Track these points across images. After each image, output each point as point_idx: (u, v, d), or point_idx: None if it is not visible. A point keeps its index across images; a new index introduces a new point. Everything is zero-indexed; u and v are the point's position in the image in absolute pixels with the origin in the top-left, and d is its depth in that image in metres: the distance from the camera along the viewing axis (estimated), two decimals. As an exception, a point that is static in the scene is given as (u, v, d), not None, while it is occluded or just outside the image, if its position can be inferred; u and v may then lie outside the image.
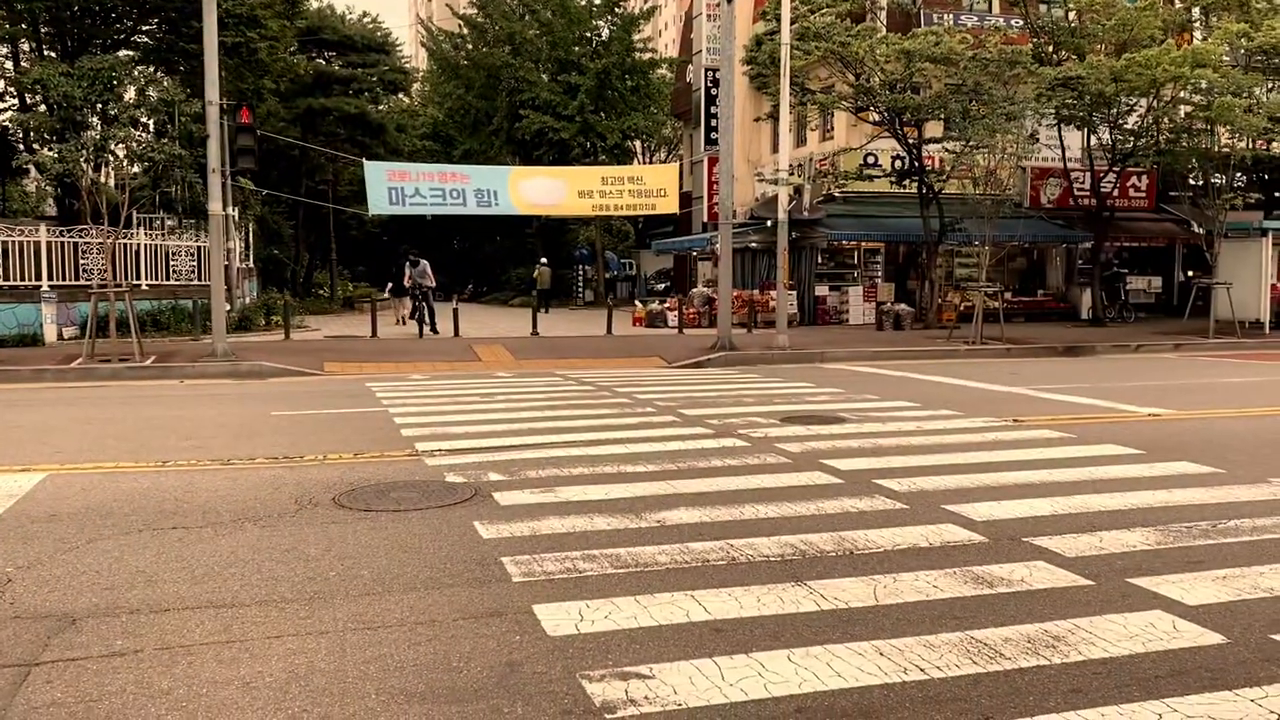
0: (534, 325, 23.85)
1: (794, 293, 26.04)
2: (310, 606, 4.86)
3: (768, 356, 18.24)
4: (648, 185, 22.23)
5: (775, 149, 28.77)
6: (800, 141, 30.79)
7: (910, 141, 24.58)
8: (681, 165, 31.62)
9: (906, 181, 25.64)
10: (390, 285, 23.89)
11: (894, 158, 26.67)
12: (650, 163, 52.46)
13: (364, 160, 22.89)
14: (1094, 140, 26.09)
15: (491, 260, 50.75)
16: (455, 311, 23.59)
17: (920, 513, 6.52)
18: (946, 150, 24.49)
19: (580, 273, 42.24)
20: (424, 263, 23.85)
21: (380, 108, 44.78)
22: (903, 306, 25.40)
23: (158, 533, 6.15)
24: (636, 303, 31.40)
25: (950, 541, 5.91)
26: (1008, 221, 22.98)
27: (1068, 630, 4.55)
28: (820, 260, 27.83)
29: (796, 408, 11.47)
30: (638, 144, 50.44)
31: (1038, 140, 25.57)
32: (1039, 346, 19.80)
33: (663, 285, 44.78)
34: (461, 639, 4.46)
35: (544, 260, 40.11)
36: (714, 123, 32.55)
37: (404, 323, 23.96)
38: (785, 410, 11.22)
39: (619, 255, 50.18)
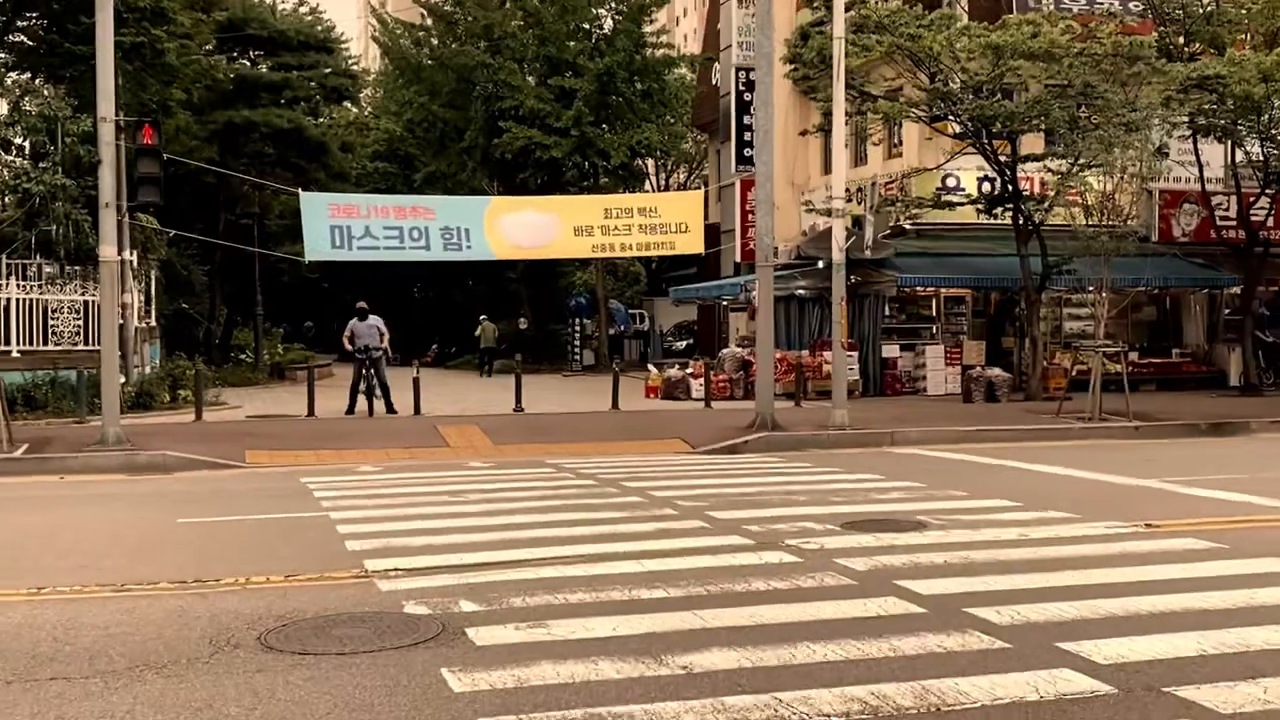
0: (517, 399, 23.94)
1: (854, 354, 26.14)
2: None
3: (822, 439, 18.27)
4: (663, 217, 22.66)
5: (827, 169, 28.99)
6: (859, 160, 31.19)
7: (1002, 159, 24.78)
8: (706, 191, 31.81)
9: (998, 211, 25.90)
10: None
11: (981, 180, 27.02)
12: (666, 188, 52.97)
13: (299, 191, 23.18)
14: (1240, 155, 26.34)
15: (462, 313, 51.07)
16: (416, 381, 23.74)
17: (1027, 653, 6.48)
18: (1049, 170, 24.68)
19: (576, 329, 42.44)
20: (375, 319, 23.96)
21: (321, 121, 45.45)
22: (996, 372, 25.56)
23: (31, 686, 6.10)
24: (650, 367, 31.48)
25: (1067, 693, 5.85)
26: (1131, 261, 23.00)
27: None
28: (888, 312, 28.01)
29: (860, 508, 11.49)
30: (650, 164, 50.99)
31: (1167, 156, 25.82)
32: (1176, 424, 19.83)
33: (683, 344, 44.89)
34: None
35: (486, 316, 43.18)
36: (748, 136, 32.88)
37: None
38: (846, 512, 11.24)
39: (626, 305, 50.44)
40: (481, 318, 43.19)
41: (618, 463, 16.06)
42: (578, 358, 42.11)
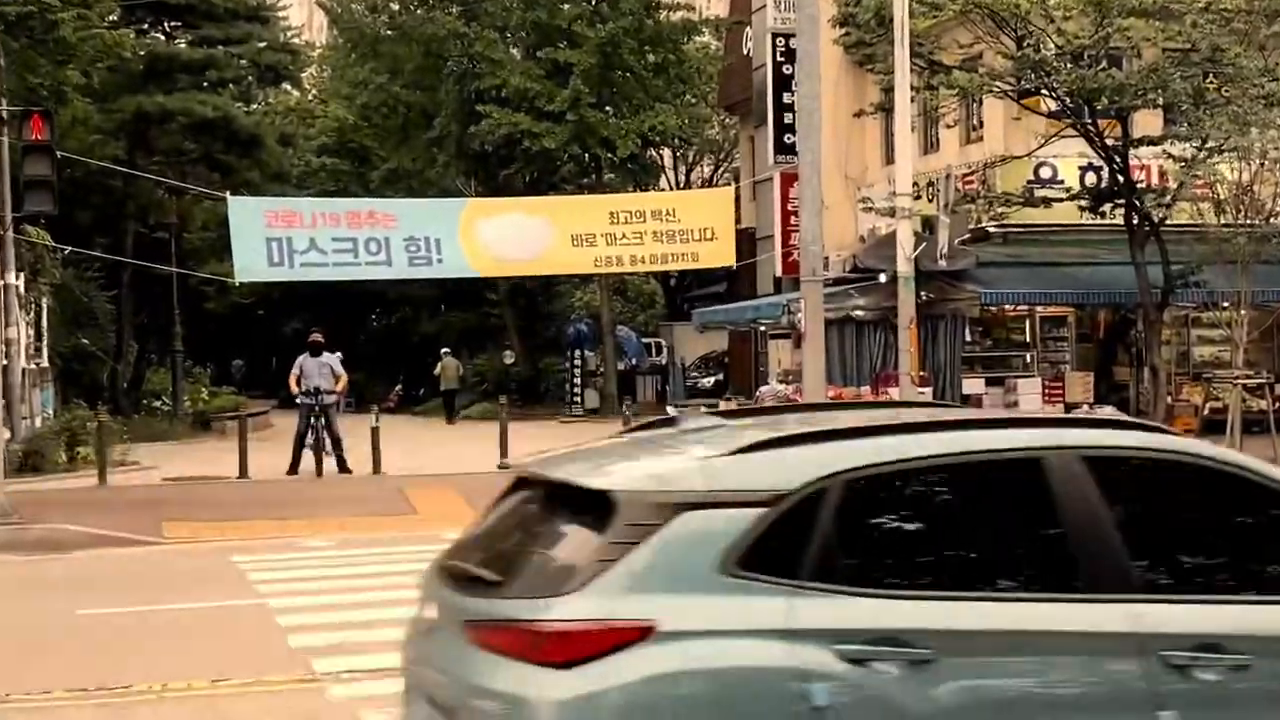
0: (503, 452, 23.88)
1: (927, 390, 25.55)
2: None
3: None
4: (684, 222, 23.11)
5: (890, 159, 28.55)
6: (929, 146, 31.18)
7: (1110, 143, 24.82)
8: (738, 189, 31.86)
9: (1106, 208, 25.94)
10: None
11: (1084, 169, 27.06)
12: (687, 185, 52.91)
13: (228, 195, 23.30)
14: None
15: (433, 345, 51.01)
16: (375, 432, 23.67)
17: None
18: (1169, 156, 24.57)
19: (576, 363, 42.40)
20: (330, 355, 23.99)
21: (255, 108, 45.63)
22: (1108, 411, 25.01)
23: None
24: (669, 409, 30.88)
25: None
26: (1276, 269, 23.04)
27: None
28: (969, 337, 28.03)
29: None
30: (666, 155, 51.04)
31: None
32: None
33: (711, 381, 44.64)
34: None
35: (447, 351, 43.38)
36: (789, 119, 32.89)
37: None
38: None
39: (639, 333, 50.35)
40: (443, 352, 43.56)
41: None
42: (578, 399, 42.01)
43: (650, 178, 45.03)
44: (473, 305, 50.18)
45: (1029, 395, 27.22)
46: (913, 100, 22.62)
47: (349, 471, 23.29)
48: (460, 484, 20.65)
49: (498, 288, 45.77)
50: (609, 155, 40.25)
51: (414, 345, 53.88)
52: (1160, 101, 24.61)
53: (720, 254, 23.54)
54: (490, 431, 26.76)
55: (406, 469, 23.45)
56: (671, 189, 49.78)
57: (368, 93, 45.98)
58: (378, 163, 47.55)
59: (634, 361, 47.02)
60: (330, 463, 23.40)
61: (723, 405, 28.35)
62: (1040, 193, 26.48)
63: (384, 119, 46.17)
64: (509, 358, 46.28)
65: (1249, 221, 21.27)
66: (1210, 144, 22.59)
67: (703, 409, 24.93)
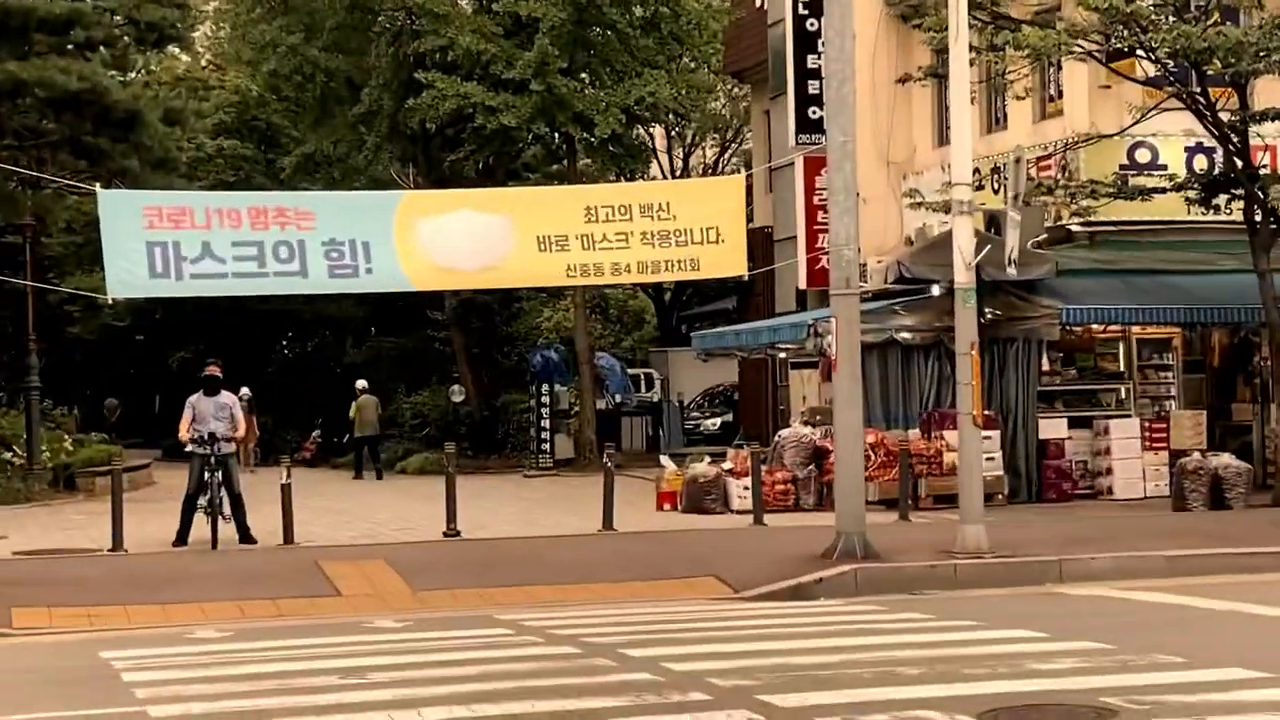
0: (450, 516, 24.08)
1: (994, 434, 26.11)
2: None
3: (945, 573, 18.55)
4: (681, 220, 22.59)
5: (944, 139, 28.93)
6: (994, 123, 31.52)
7: (1225, 119, 24.84)
8: (750, 177, 31.89)
9: (1220, 200, 26.01)
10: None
11: (1191, 151, 27.49)
12: (686, 172, 52.95)
13: (97, 188, 23.15)
14: None
15: (361, 378, 50.92)
16: (287, 490, 23.69)
17: None
18: None
19: (543, 401, 42.38)
20: (229, 395, 23.97)
21: (133, 78, 45.48)
22: (1226, 460, 25.70)
23: None
24: (663, 460, 31.42)
25: None
26: None
27: None
28: (1047, 365, 28.23)
29: (1009, 687, 11.47)
30: (658, 134, 51.00)
31: None
32: None
33: (716, 422, 44.83)
34: None
35: (363, 384, 43.32)
36: (814, 88, 32.96)
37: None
38: (986, 694, 11.22)
39: (624, 362, 50.28)
40: (358, 386, 43.37)
41: (614, 618, 16.05)
42: (546, 447, 41.99)
43: (638, 164, 45.60)
44: (411, 327, 50.17)
45: (1124, 440, 27.73)
46: (972, 64, 22.50)
47: (253, 541, 23.27)
48: (396, 557, 20.80)
49: (444, 305, 45.73)
50: (585, 135, 40.48)
51: (336, 379, 53.77)
52: (1288, 66, 25.05)
53: (727, 261, 23.27)
54: (432, 489, 26.55)
55: (327, 538, 23.86)
56: (665, 177, 49.92)
57: (277, 57, 45.73)
58: (290, 146, 47.64)
59: (618, 398, 47.43)
60: (229, 529, 23.29)
61: (731, 454, 29.24)
62: (1136, 181, 26.72)
63: (298, 90, 46.22)
64: (457, 394, 46.22)
65: None
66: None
67: (707, 459, 25.19)
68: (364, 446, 42.59)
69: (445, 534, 23.61)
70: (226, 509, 23.37)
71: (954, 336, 20.29)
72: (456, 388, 46.51)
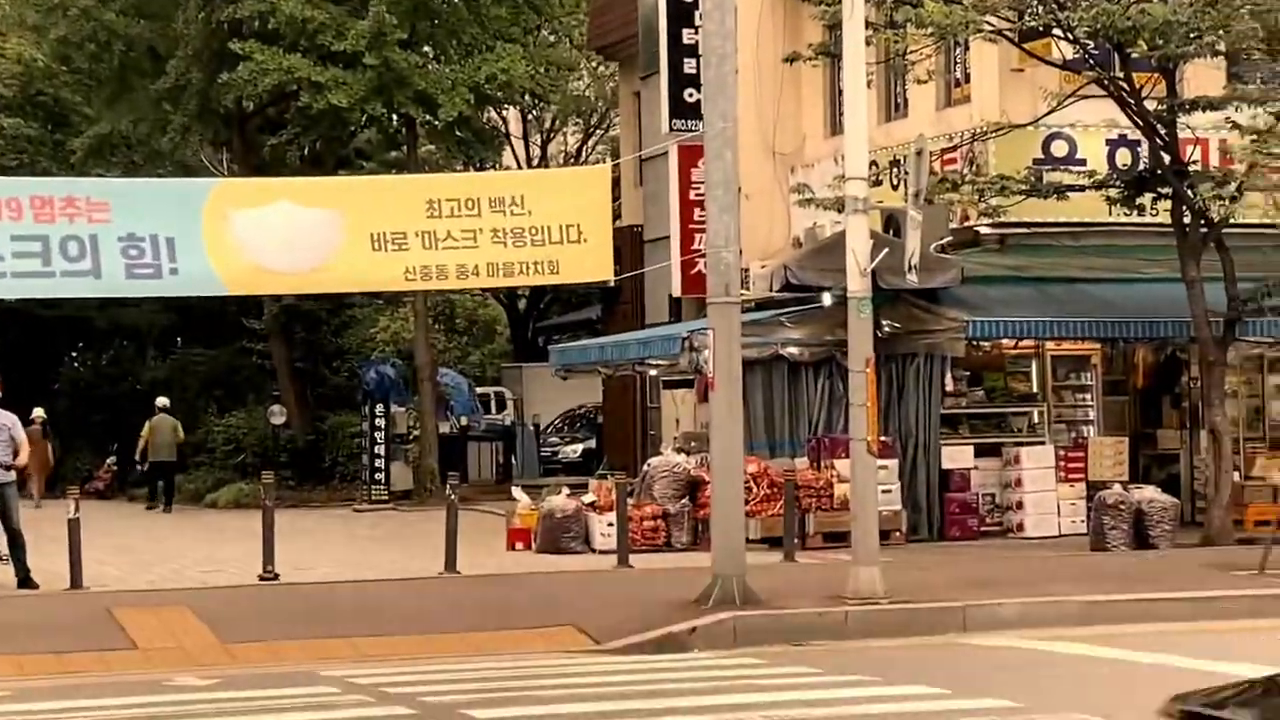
0: (267, 556, 23.75)
1: (891, 462, 26.05)
2: None
3: (835, 621, 18.56)
4: (538, 216, 22.79)
5: (837, 128, 29.34)
6: (894, 110, 32.05)
7: (1153, 109, 25.13)
8: (617, 168, 31.68)
9: (1146, 200, 26.24)
10: None
11: (1113, 144, 27.95)
12: (544, 162, 52.76)
13: None
14: None
15: (160, 396, 50.17)
16: (73, 526, 23.08)
17: None
18: (1234, 127, 25.24)
19: (377, 424, 42.03)
20: (9, 417, 23.84)
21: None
22: (1150, 494, 25.82)
23: None
24: (516, 492, 31.35)
25: None
26: None
27: None
28: (951, 385, 28.19)
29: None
30: (512, 117, 50.66)
31: None
32: None
33: (578, 449, 44.36)
34: None
35: (164, 402, 43.34)
36: (691, 67, 32.74)
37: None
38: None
39: (472, 380, 49.92)
40: (157, 404, 43.10)
41: (456, 674, 16.00)
42: (380, 477, 41.62)
43: (489, 151, 46.82)
44: (224, 338, 49.60)
45: (1037, 470, 27.88)
46: (869, 42, 22.89)
47: (34, 586, 22.91)
48: (203, 603, 20.54)
49: (262, 312, 45.14)
50: (427, 118, 40.09)
51: (136, 397, 53.05)
52: (1221, 47, 25.04)
53: (591, 263, 23.70)
54: (246, 525, 26.12)
55: (122, 581, 23.81)
56: (521, 167, 49.68)
57: (67, 21, 45.33)
58: (82, 125, 46.89)
59: (464, 421, 47.48)
60: (6, 572, 23.23)
61: (594, 485, 29.33)
62: (1051, 177, 26.93)
63: (92, 60, 45.56)
64: (278, 416, 45.78)
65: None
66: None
67: (566, 491, 25.08)
68: (157, 473, 41.70)
69: (261, 577, 23.41)
70: (3, 548, 23.40)
71: (847, 352, 20.46)
72: (277, 408, 46.08)
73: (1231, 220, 25.08)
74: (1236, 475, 25.87)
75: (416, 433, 42.92)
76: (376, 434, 42.32)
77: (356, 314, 49.35)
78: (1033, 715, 12.81)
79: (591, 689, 14.76)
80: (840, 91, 24.81)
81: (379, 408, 42.57)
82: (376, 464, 42.11)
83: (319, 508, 39.36)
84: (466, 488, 30.34)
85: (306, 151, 42.24)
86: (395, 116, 41.14)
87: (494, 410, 50.56)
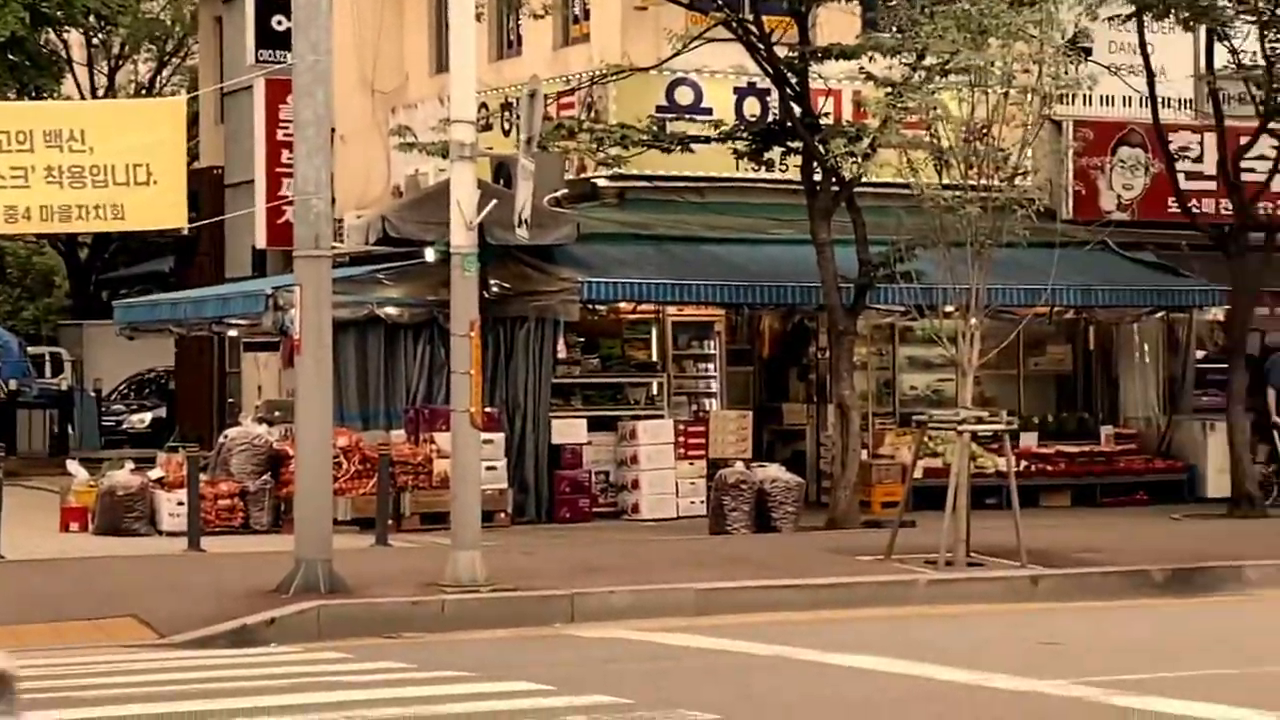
0: None
1: (497, 436, 25.94)
2: None
3: (431, 610, 18.39)
4: (100, 154, 22.07)
5: (442, 66, 28.42)
6: (506, 47, 32.14)
7: (784, 55, 25.37)
8: (194, 100, 31.14)
9: (775, 154, 26.66)
10: None
11: (741, 93, 28.67)
12: (111, 93, 51.91)
13: None
14: (1224, 56, 27.66)
15: None
16: None
17: None
18: (868, 78, 25.41)
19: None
20: None
21: None
22: (773, 472, 25.91)
23: None
24: (72, 466, 30.06)
25: None
26: (1021, 255, 23.94)
27: None
28: (564, 353, 28.05)
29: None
30: (75, 41, 50.61)
31: (1088, 56, 26.15)
32: (1107, 571, 21.05)
33: (146, 418, 45.58)
34: None
35: None
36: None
37: None
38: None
39: (22, 338, 50.45)
40: None
41: None
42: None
43: (47, 79, 45.09)
44: None
45: (655, 446, 27.69)
46: None
47: None
48: None
49: None
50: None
51: None
52: (857, -5, 24.97)
53: (162, 209, 23.00)
54: None
55: None
56: (84, 98, 48.54)
57: None
58: None
59: (13, 385, 46.15)
60: None
61: (162, 460, 28.35)
62: (675, 127, 27.47)
63: None
64: None
65: (983, 182, 21.30)
66: (928, 60, 23.13)
67: (130, 466, 23.57)
68: None
69: None
70: None
71: (451, 315, 19.93)
72: None
73: (864, 179, 25.12)
74: (864, 453, 26.44)
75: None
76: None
77: None
78: (642, 713, 12.50)
79: (144, 688, 13.86)
80: (447, 25, 24.03)
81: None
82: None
83: None
84: (15, 460, 29.36)
85: None
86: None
87: (49, 373, 49.43)
